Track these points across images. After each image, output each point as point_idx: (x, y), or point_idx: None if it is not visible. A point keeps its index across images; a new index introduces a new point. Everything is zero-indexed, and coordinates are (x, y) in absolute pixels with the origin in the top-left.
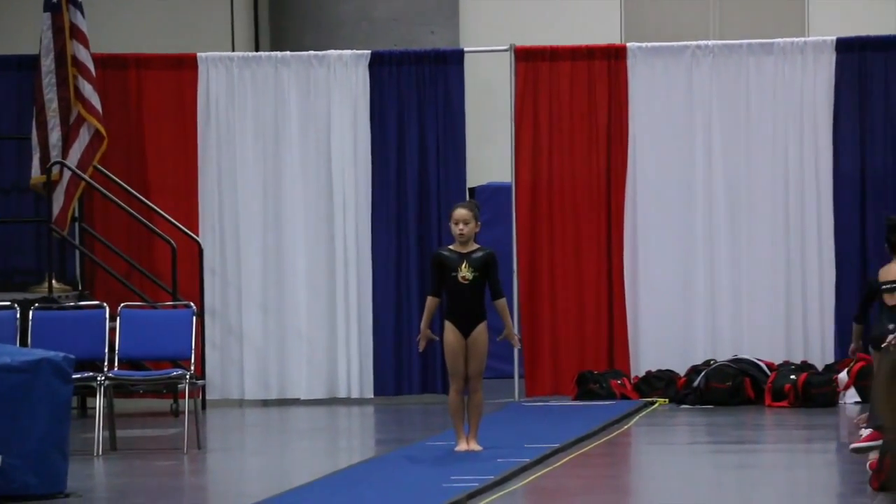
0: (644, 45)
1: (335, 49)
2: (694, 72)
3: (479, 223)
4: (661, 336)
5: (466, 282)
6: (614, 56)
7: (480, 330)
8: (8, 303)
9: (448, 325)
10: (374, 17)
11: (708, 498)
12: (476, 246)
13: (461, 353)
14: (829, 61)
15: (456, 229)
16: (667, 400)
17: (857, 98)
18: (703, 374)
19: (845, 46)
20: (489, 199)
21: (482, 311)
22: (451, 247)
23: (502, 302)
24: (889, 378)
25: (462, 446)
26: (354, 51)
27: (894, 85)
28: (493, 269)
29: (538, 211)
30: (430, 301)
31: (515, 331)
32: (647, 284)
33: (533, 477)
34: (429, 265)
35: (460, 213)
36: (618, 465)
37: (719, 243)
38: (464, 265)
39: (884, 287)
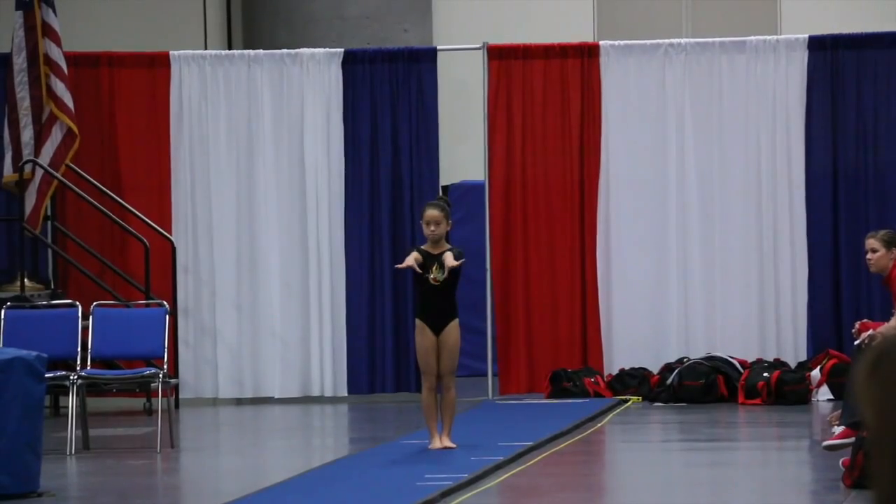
0: (617, 42)
1: (308, 47)
2: (667, 70)
3: (450, 222)
4: (635, 334)
5: (437, 283)
6: (587, 54)
7: (452, 327)
8: None
9: (419, 324)
10: (346, 15)
11: (681, 496)
12: (447, 247)
13: (433, 350)
14: (801, 59)
15: (427, 230)
16: (640, 398)
17: (830, 95)
18: (676, 371)
19: (818, 44)
20: (462, 197)
21: (453, 309)
22: (423, 247)
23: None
24: (868, 373)
25: (436, 444)
26: (327, 49)
27: (866, 82)
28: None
29: (511, 209)
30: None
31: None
32: (621, 282)
33: (507, 475)
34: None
35: (431, 213)
36: (591, 463)
37: (692, 241)
38: (435, 267)
39: None
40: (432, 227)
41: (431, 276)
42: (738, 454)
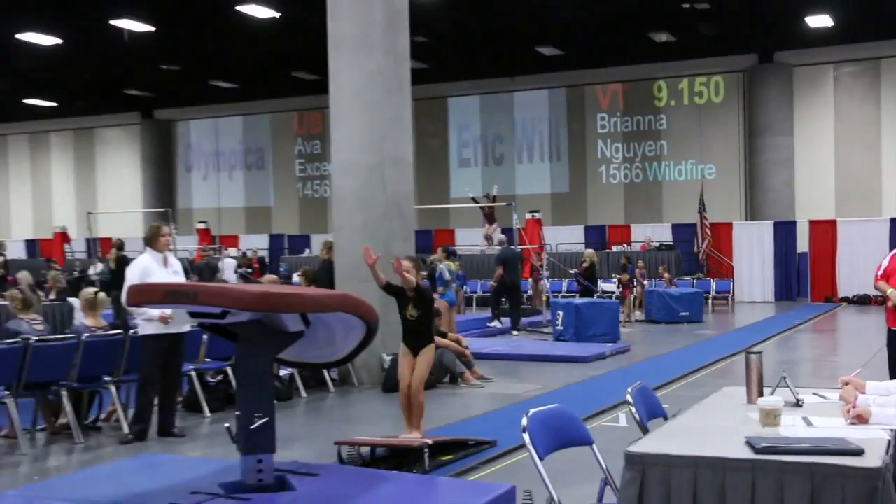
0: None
1: None
2: None
3: (420, 274)
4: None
5: (413, 318)
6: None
7: (427, 350)
8: None
9: (402, 348)
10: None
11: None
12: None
13: (410, 370)
14: None
15: (404, 279)
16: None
17: None
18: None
19: None
20: None
21: (429, 337)
22: (402, 286)
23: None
24: None
25: (406, 434)
26: None
27: None
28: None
29: None
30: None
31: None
32: None
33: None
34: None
35: (404, 263)
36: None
37: None
38: (410, 305)
39: None
40: (407, 274)
41: (408, 312)
42: None
